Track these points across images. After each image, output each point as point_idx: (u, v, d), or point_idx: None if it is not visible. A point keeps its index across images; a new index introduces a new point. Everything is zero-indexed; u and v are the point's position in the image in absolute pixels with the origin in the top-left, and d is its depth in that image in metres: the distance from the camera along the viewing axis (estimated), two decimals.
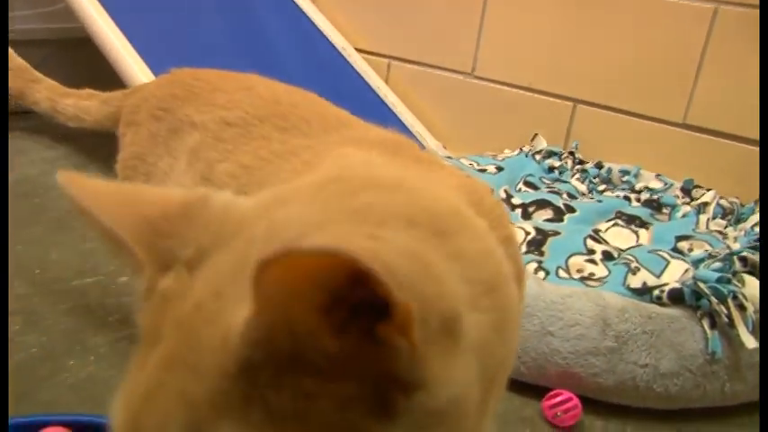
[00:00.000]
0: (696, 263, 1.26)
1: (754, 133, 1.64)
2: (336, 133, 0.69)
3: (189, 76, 0.89)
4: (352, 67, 2.06)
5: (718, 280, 1.13)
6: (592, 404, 1.09)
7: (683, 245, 1.41)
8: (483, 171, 1.65)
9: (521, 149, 1.82)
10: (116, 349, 1.09)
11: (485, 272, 0.47)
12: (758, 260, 1.21)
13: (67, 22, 1.85)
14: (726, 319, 1.09)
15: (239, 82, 0.85)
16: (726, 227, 1.49)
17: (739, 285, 1.13)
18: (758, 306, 1.12)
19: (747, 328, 1.09)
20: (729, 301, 1.10)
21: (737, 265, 1.19)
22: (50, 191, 1.67)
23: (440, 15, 2.05)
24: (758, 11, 1.58)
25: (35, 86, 1.06)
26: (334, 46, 2.08)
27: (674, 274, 1.26)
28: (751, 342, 1.07)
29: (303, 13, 2.10)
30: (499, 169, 1.67)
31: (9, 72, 1.06)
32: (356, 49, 2.11)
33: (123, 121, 0.92)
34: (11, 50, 1.09)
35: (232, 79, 0.86)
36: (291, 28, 2.05)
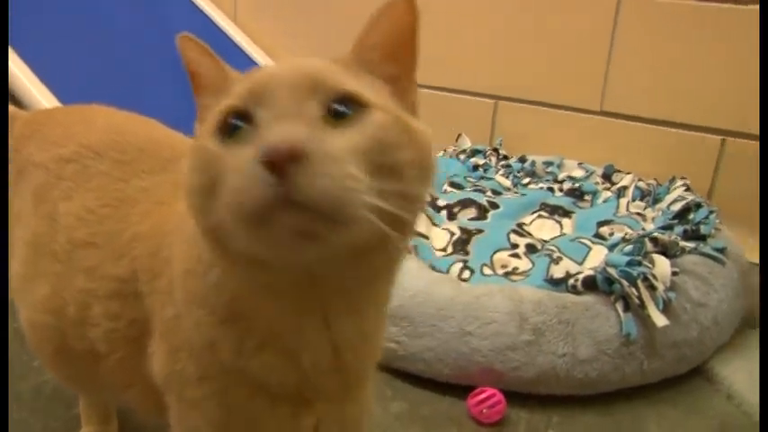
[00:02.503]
0: (611, 248, 1.29)
1: (668, 115, 1.69)
2: (173, 169, 0.69)
3: (42, 114, 0.86)
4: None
5: (629, 263, 1.15)
6: (516, 397, 1.11)
7: (605, 230, 1.44)
8: None
9: (444, 151, 1.84)
10: (40, 393, 1.09)
11: None
12: (668, 240, 1.25)
13: None
14: (637, 301, 1.12)
15: (80, 114, 0.82)
16: (645, 208, 1.53)
17: (650, 266, 1.16)
18: (669, 285, 1.16)
19: (658, 307, 1.12)
20: (639, 282, 1.13)
21: (649, 246, 1.22)
22: None
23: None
24: None
25: None
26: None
27: (596, 259, 1.28)
28: (661, 320, 1.10)
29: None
30: None
31: None
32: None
33: None
34: None
35: (75, 113, 0.83)
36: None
